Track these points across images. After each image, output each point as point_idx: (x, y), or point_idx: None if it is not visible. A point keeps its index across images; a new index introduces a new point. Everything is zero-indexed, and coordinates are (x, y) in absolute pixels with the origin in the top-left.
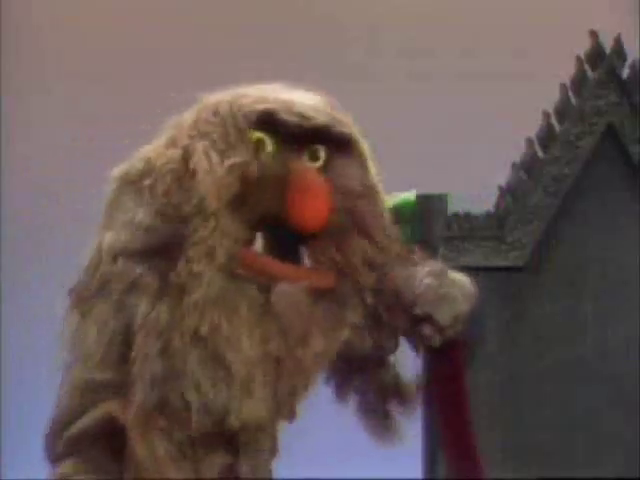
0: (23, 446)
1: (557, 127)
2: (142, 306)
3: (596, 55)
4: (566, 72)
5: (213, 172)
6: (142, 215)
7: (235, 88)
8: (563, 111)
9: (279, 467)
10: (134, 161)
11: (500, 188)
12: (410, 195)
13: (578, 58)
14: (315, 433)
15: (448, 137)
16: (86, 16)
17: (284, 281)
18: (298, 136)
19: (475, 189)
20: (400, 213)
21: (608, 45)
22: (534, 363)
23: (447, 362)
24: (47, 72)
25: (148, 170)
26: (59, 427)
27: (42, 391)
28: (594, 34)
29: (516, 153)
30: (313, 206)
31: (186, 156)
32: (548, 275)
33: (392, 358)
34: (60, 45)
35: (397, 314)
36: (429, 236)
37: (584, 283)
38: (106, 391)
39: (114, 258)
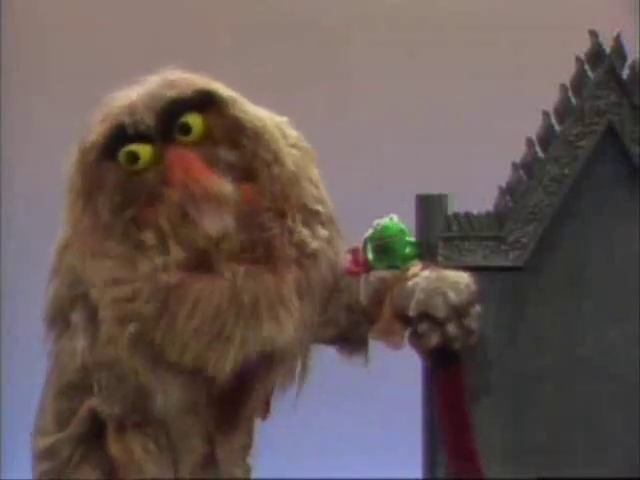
0: (23, 446)
1: (557, 127)
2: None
3: (596, 55)
4: (566, 72)
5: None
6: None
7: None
8: (563, 111)
9: (280, 467)
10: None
11: (500, 188)
12: (390, 221)
13: (578, 58)
14: (315, 433)
15: (448, 137)
16: (87, 16)
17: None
18: (166, 117)
19: (475, 189)
20: (385, 239)
21: (608, 45)
22: (534, 363)
23: (447, 364)
24: (48, 72)
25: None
26: (43, 428)
27: None
28: (594, 34)
29: (516, 153)
30: (196, 183)
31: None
32: (548, 275)
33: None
34: (61, 45)
35: (398, 327)
36: (429, 236)
37: (584, 283)
38: (86, 392)
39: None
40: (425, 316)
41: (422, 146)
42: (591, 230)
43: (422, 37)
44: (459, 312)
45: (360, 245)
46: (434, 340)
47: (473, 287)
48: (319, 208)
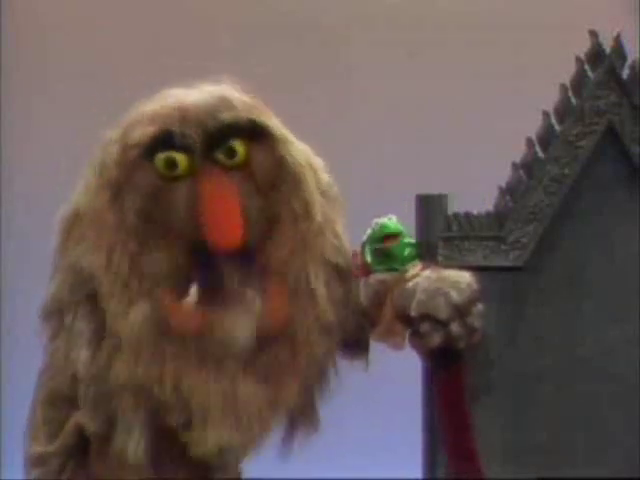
0: (23, 446)
1: (557, 127)
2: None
3: (596, 55)
4: (566, 72)
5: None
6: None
7: (133, 108)
8: (563, 111)
9: (280, 467)
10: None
11: (500, 188)
12: (389, 220)
13: (578, 58)
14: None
15: (448, 137)
16: (87, 16)
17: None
18: (215, 137)
19: (475, 189)
20: (385, 245)
21: (608, 45)
22: (534, 363)
23: (448, 364)
24: (48, 72)
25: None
26: (34, 433)
27: None
28: (594, 34)
29: (516, 153)
30: (224, 226)
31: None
32: (548, 275)
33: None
34: (61, 45)
35: (399, 328)
36: (429, 236)
37: (584, 283)
38: (72, 405)
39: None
40: (427, 316)
41: (422, 146)
42: (591, 230)
43: (422, 37)
44: (461, 311)
45: (359, 248)
46: (436, 340)
47: (474, 285)
48: (339, 260)
